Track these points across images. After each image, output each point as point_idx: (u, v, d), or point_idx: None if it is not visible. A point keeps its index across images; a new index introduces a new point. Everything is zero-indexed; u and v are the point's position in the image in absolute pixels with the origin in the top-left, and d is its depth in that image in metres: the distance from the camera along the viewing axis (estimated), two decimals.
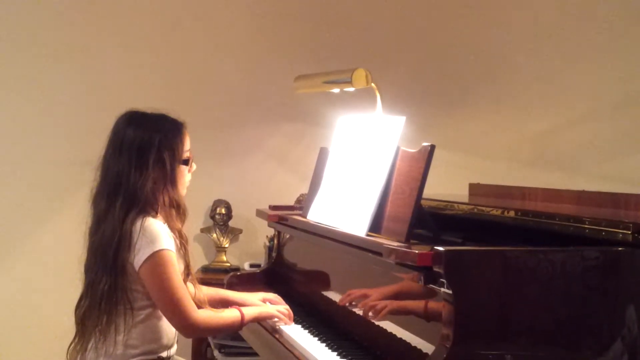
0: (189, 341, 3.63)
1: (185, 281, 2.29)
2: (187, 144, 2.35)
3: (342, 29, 4.10)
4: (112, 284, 2.17)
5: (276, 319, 2.48)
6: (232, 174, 4.06)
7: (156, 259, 2.16)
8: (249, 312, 2.40)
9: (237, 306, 2.42)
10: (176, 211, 2.31)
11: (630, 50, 4.08)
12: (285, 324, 2.47)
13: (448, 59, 4.14)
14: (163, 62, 3.99)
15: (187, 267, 2.32)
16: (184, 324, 2.22)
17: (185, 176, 2.35)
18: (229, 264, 3.94)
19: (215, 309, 2.36)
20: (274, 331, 2.47)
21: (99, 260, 2.21)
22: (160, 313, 2.24)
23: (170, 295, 2.18)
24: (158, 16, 4.01)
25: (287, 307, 2.52)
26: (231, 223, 4.01)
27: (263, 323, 2.52)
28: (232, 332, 3.43)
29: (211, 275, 3.79)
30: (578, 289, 1.78)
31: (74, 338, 2.27)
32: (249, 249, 4.07)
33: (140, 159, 2.23)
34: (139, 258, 2.16)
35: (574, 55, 4.12)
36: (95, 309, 2.20)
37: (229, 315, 2.36)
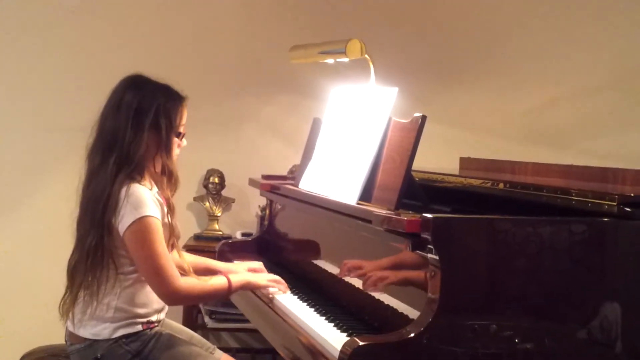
0: (180, 307, 3.67)
1: (169, 249, 2.30)
2: (184, 118, 2.36)
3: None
4: (98, 241, 2.19)
5: (270, 289, 2.47)
6: (225, 143, 4.09)
7: (140, 225, 2.17)
8: (237, 279, 2.37)
9: (224, 273, 2.42)
10: (167, 179, 2.31)
11: (622, 27, 4.08)
12: (280, 291, 2.46)
13: (442, 32, 4.15)
14: (159, 30, 4.00)
15: (173, 235, 2.33)
16: (166, 291, 2.21)
17: (175, 149, 2.35)
18: (221, 233, 3.97)
19: (200, 277, 2.36)
20: (264, 297, 2.49)
21: (88, 215, 2.23)
22: None
23: (152, 262, 2.17)
24: None
25: (278, 277, 2.50)
26: (224, 192, 4.03)
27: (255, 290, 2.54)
28: (218, 300, 3.45)
29: (203, 243, 3.83)
30: (564, 258, 1.80)
31: (65, 292, 2.30)
32: (241, 218, 4.10)
33: (136, 120, 2.23)
34: (123, 224, 2.17)
35: (566, 32, 4.12)
36: (82, 265, 2.22)
37: (215, 282, 2.34)
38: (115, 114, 2.25)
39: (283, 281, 2.49)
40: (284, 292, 2.46)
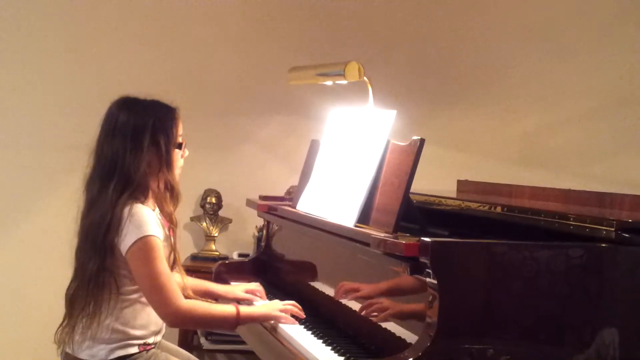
0: (176, 329, 3.65)
1: (171, 269, 2.29)
2: (181, 128, 2.36)
3: (336, 21, 4.13)
4: (100, 265, 2.18)
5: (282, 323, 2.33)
6: (223, 163, 4.09)
7: (142, 244, 2.17)
8: (247, 311, 2.28)
9: (235, 303, 2.35)
10: (170, 194, 2.32)
11: (619, 51, 4.12)
12: (291, 323, 2.33)
13: (441, 55, 4.17)
14: (158, 51, 4.02)
15: (174, 254, 2.33)
16: (166, 311, 2.19)
17: (179, 160, 2.37)
18: (217, 253, 3.96)
19: (205, 300, 2.35)
20: None
21: (89, 243, 2.22)
22: None
23: (153, 280, 2.17)
24: (154, 6, 4.02)
25: (294, 302, 2.39)
26: (221, 212, 4.03)
27: None
28: (223, 330, 3.33)
29: (200, 263, 3.82)
30: (561, 284, 1.80)
31: (63, 320, 2.29)
32: (238, 239, 4.09)
33: (135, 142, 2.24)
34: (125, 243, 2.17)
35: (563, 55, 4.15)
36: (84, 291, 2.21)
37: (221, 309, 2.28)
38: (111, 139, 2.25)
39: (299, 309, 2.37)
40: (294, 323, 2.33)
